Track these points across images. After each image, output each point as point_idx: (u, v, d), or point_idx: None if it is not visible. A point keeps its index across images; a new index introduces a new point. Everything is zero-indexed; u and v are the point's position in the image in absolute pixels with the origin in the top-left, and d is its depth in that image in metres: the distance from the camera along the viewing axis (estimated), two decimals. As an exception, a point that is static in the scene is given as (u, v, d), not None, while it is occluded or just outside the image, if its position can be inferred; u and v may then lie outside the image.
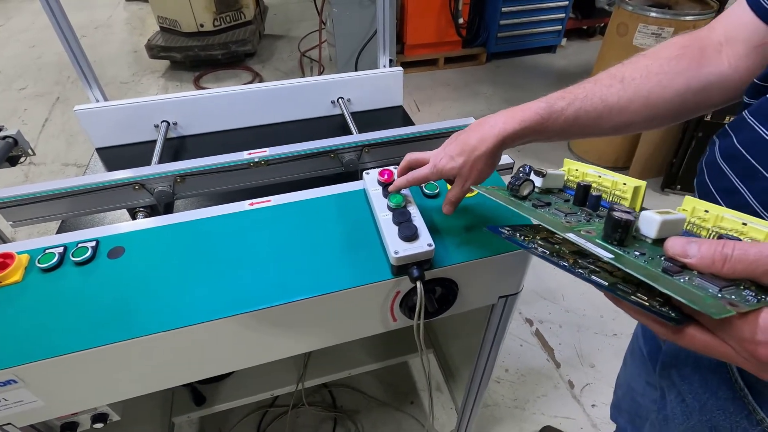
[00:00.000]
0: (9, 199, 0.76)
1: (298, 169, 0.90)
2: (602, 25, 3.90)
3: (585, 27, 3.89)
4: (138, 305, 0.58)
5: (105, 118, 1.10)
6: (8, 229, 1.16)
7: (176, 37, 3.42)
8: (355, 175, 0.95)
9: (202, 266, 0.63)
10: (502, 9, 3.27)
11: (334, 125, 1.24)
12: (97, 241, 0.65)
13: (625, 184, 0.47)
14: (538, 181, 0.52)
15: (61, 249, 0.64)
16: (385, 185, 0.68)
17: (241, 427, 1.34)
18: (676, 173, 2.12)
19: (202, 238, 0.67)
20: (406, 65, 3.37)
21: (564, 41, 3.74)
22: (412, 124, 1.23)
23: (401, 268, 0.61)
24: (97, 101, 1.12)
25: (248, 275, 0.62)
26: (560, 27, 3.53)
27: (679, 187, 2.16)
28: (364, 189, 0.73)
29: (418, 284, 0.59)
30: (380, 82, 1.25)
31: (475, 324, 0.97)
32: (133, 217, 0.85)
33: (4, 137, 0.93)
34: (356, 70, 3.24)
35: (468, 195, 0.73)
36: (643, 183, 0.46)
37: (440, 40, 3.34)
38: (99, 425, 0.68)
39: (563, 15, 3.45)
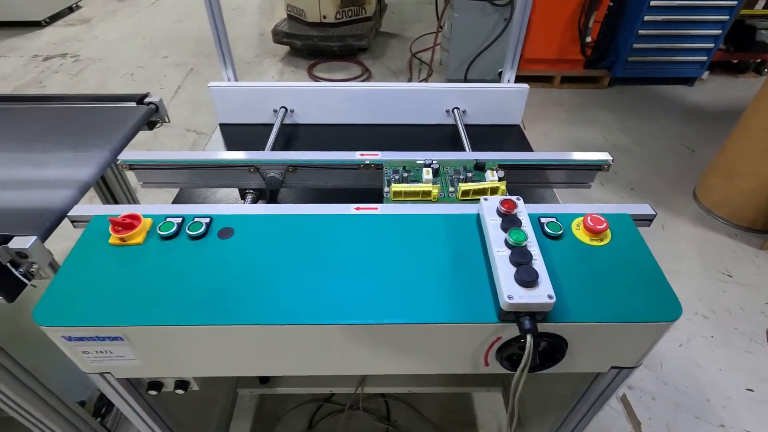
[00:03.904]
0: (142, 162, 0.83)
1: (406, 178, 0.86)
2: (758, 61, 3.38)
3: (735, 61, 3.40)
4: (238, 292, 0.58)
5: (233, 96, 1.16)
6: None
7: (300, 26, 3.61)
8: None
9: (303, 265, 0.62)
10: (639, 31, 2.97)
11: (444, 135, 1.19)
12: (211, 218, 0.67)
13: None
14: None
15: (179, 220, 0.66)
16: (505, 216, 0.61)
17: (295, 413, 1.36)
18: (835, 250, 1.75)
19: (307, 234, 0.66)
20: (518, 79, 3.21)
21: (706, 74, 3.31)
22: (528, 146, 1.14)
23: (510, 315, 0.54)
24: (229, 80, 1.18)
25: (345, 284, 0.59)
26: (705, 58, 3.12)
27: (835, 267, 1.78)
28: (477, 215, 0.68)
29: (528, 338, 0.52)
30: (501, 97, 1.17)
31: (559, 375, 0.87)
32: (243, 197, 0.88)
33: (149, 103, 1.02)
34: (466, 78, 3.16)
35: (599, 242, 0.64)
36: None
37: (561, 57, 3.13)
38: (180, 391, 0.71)
39: (712, 45, 3.04)
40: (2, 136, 0.87)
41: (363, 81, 3.45)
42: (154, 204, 0.71)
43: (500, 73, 3.32)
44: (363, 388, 1.26)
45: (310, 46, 3.56)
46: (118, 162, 0.82)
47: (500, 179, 0.77)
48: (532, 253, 0.56)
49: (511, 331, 0.57)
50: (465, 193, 0.74)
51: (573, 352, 0.60)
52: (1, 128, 0.90)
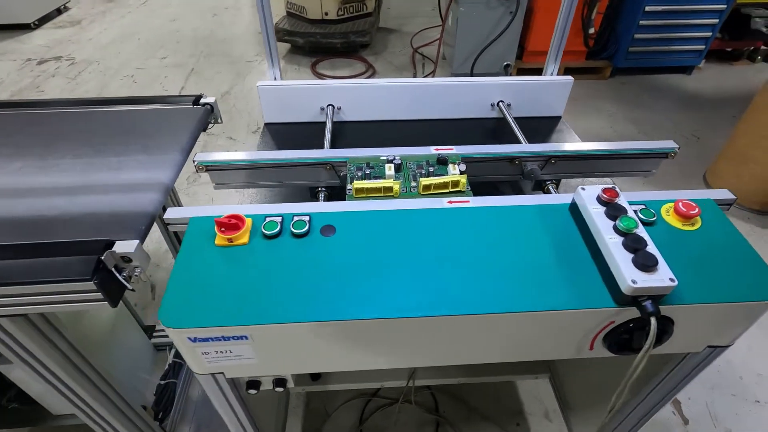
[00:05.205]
0: (218, 163, 0.82)
1: (477, 171, 0.87)
2: (751, 48, 3.48)
3: (729, 49, 3.49)
4: (355, 288, 0.59)
5: (280, 95, 1.16)
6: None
7: (301, 23, 3.58)
8: (527, 185, 0.91)
9: (410, 258, 0.62)
10: (640, 22, 3.02)
11: (490, 129, 1.20)
12: (310, 216, 0.68)
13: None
14: None
15: (279, 219, 0.67)
16: (608, 204, 0.63)
17: (344, 409, 1.37)
18: None
19: (406, 229, 0.67)
20: (522, 72, 3.25)
21: (702, 63, 3.39)
22: (574, 137, 1.17)
23: (629, 299, 0.56)
24: (275, 79, 1.18)
25: (457, 276, 0.61)
26: (703, 47, 3.19)
27: None
28: (569, 204, 0.69)
29: (653, 321, 0.54)
30: (546, 90, 1.19)
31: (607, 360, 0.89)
32: (314, 195, 0.88)
33: (204, 104, 1.01)
34: (472, 72, 3.18)
35: (691, 227, 0.66)
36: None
37: (564, 49, 3.17)
38: (279, 389, 0.71)
39: (709, 33, 3.12)
40: (71, 142, 0.86)
41: (368, 77, 3.45)
42: (246, 205, 0.71)
43: (506, 66, 3.33)
44: (414, 381, 1.28)
45: (312, 44, 3.54)
46: (195, 163, 0.81)
47: (462, 173, 0.78)
48: (645, 238, 0.58)
49: (625, 315, 0.59)
50: (426, 187, 0.75)
51: (675, 334, 0.63)
52: (67, 133, 0.89)
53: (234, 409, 0.72)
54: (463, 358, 0.65)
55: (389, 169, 0.79)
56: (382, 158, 0.82)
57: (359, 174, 0.79)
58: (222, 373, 0.63)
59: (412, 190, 0.77)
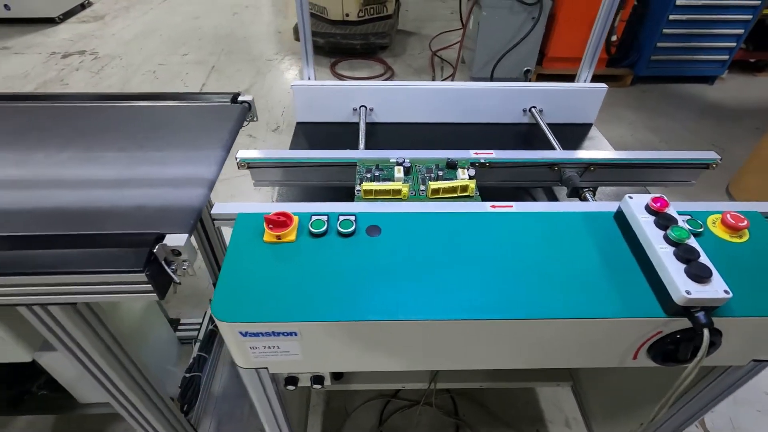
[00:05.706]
0: (261, 160, 0.83)
1: (515, 176, 0.87)
2: (776, 60, 3.43)
3: (753, 60, 3.45)
4: (395, 288, 0.59)
5: (313, 95, 1.17)
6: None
7: (322, 24, 3.60)
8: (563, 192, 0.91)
9: (457, 261, 0.63)
10: (664, 30, 3.00)
11: (521, 133, 1.20)
12: (355, 215, 0.68)
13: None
14: None
15: (324, 217, 0.67)
16: (658, 214, 0.63)
17: (364, 409, 1.38)
18: None
19: (450, 232, 0.67)
20: (541, 78, 3.24)
21: (725, 73, 3.35)
22: (606, 144, 1.16)
23: (681, 309, 0.56)
24: (309, 78, 1.19)
25: (501, 280, 0.61)
26: (727, 57, 3.16)
27: None
28: (615, 213, 0.69)
29: (705, 332, 0.54)
30: (579, 97, 1.19)
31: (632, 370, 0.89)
32: (352, 196, 0.89)
33: (242, 102, 1.03)
34: (492, 77, 3.18)
35: (738, 239, 0.66)
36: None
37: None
38: (317, 386, 0.72)
39: (734, 44, 3.08)
40: (114, 135, 0.87)
41: (386, 79, 3.46)
42: (289, 203, 0.72)
43: (526, 72, 3.32)
44: (435, 383, 1.28)
45: (332, 44, 3.56)
46: (237, 160, 0.82)
47: (470, 178, 0.78)
48: (698, 249, 0.58)
49: (673, 325, 0.58)
50: (435, 191, 0.75)
51: (722, 347, 0.62)
52: (110, 127, 0.90)
53: (271, 403, 0.72)
54: (499, 363, 0.65)
55: (398, 172, 0.79)
56: (391, 161, 0.83)
57: (368, 176, 0.80)
58: (266, 368, 0.64)
59: (420, 193, 0.77)
